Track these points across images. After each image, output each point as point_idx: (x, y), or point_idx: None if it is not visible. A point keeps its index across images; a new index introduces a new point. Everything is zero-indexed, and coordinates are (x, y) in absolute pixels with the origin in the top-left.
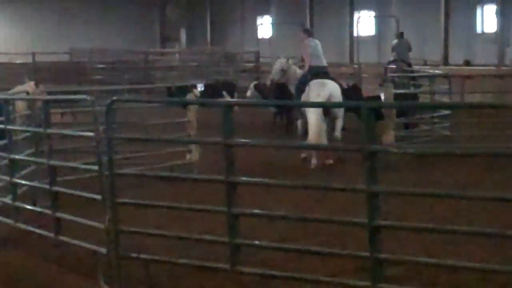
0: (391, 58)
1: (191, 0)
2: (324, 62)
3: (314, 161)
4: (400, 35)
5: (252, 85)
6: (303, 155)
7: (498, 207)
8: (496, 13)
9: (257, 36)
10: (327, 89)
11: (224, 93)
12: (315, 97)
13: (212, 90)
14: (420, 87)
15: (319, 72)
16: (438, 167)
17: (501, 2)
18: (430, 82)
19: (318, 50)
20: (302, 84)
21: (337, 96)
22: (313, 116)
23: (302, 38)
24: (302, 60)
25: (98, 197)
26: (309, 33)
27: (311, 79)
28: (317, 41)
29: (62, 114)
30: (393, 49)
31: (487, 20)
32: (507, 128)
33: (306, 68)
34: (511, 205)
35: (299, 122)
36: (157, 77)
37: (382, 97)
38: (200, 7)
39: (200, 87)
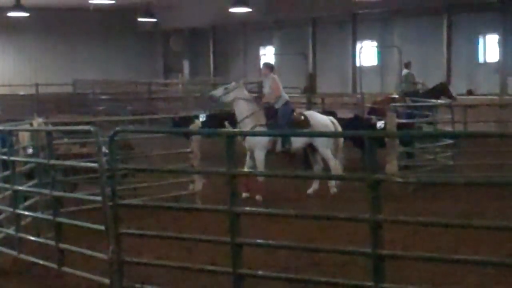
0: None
1: (194, 31)
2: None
3: (315, 186)
4: (408, 65)
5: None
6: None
7: (503, 236)
8: (498, 43)
9: (259, 66)
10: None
11: (226, 123)
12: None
13: (214, 121)
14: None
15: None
16: (442, 197)
17: (503, 32)
18: (433, 111)
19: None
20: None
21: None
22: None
23: (266, 73)
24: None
25: (102, 227)
26: (272, 68)
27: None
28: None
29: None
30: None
31: (489, 49)
32: (510, 157)
33: (273, 99)
34: None
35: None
36: (160, 108)
37: (380, 125)
38: (203, 38)
39: (202, 118)
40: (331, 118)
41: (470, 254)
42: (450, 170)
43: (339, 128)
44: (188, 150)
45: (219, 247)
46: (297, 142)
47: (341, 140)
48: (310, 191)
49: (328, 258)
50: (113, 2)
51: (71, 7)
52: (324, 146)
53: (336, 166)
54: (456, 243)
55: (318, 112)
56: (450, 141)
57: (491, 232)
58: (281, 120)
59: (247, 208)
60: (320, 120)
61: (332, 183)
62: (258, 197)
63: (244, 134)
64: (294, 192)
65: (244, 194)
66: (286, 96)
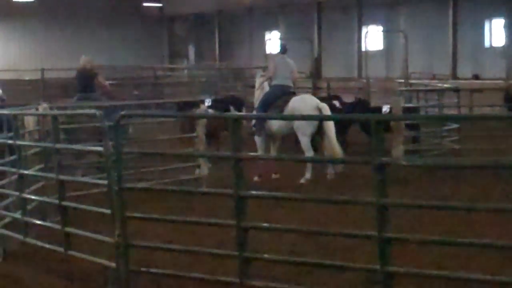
0: None
1: (199, 16)
2: (289, 82)
3: (308, 175)
4: None
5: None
6: (307, 177)
7: (509, 219)
8: (504, 27)
9: (265, 51)
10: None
11: (232, 108)
12: (312, 112)
13: (219, 105)
14: None
15: (286, 91)
16: (448, 180)
17: (509, 16)
18: (438, 96)
19: (283, 68)
20: (270, 101)
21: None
22: (332, 131)
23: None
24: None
25: (108, 211)
26: (282, 51)
27: (281, 97)
28: (287, 59)
29: None
30: None
31: (495, 34)
32: None
33: (266, 79)
34: None
35: (259, 139)
36: (165, 93)
37: (386, 109)
38: (208, 23)
39: (207, 102)
40: (321, 104)
41: (476, 237)
42: (456, 154)
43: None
44: (194, 134)
45: (225, 231)
46: (275, 126)
47: (330, 129)
48: (302, 180)
49: (334, 242)
50: None
51: None
52: (301, 133)
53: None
54: (462, 226)
55: (320, 97)
56: (455, 125)
57: (497, 215)
58: (260, 103)
59: (253, 192)
60: (299, 105)
61: (332, 169)
62: (274, 176)
63: (248, 118)
64: (300, 176)
65: (256, 178)
66: (280, 80)
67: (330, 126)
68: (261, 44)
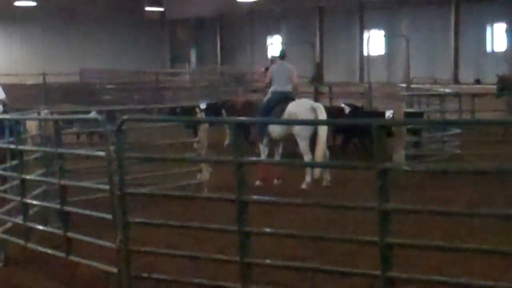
0: None
1: (200, 20)
2: (287, 87)
3: (308, 179)
4: None
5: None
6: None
7: (511, 225)
8: (506, 31)
9: (267, 55)
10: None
11: (223, 111)
12: (308, 114)
13: (213, 110)
14: None
15: (284, 97)
16: (449, 186)
17: (511, 20)
18: (440, 101)
19: (280, 73)
20: (270, 107)
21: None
22: (324, 134)
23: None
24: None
25: (109, 216)
26: (280, 56)
27: (279, 103)
28: (286, 65)
29: (78, 135)
30: None
31: (497, 38)
32: None
33: (262, 87)
34: None
35: (262, 145)
36: (167, 98)
37: (389, 114)
38: (210, 27)
39: (202, 107)
40: (316, 104)
41: (478, 243)
42: (457, 159)
43: (323, 117)
44: (196, 139)
45: (227, 236)
46: (275, 132)
47: (322, 132)
48: (303, 185)
49: (336, 247)
50: None
51: None
52: (300, 138)
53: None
54: (464, 232)
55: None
56: (457, 130)
57: (499, 220)
58: (260, 110)
59: (255, 197)
60: (295, 109)
61: (327, 175)
62: (276, 181)
63: (249, 123)
64: (302, 181)
65: (257, 183)
66: (278, 86)
67: (322, 129)
68: (263, 49)
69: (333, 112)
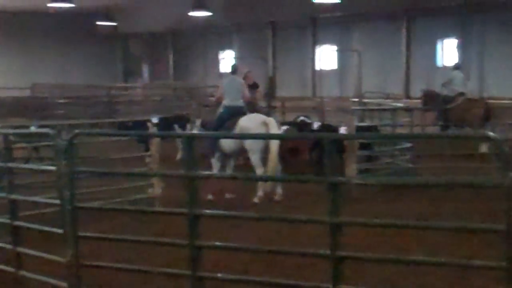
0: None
1: (153, 34)
2: (239, 102)
3: (260, 193)
4: (458, 66)
5: (198, 123)
6: (259, 195)
7: (460, 238)
8: (457, 47)
9: (219, 70)
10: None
11: (176, 126)
12: (259, 128)
13: (165, 124)
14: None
15: (236, 111)
16: (400, 199)
17: (461, 36)
18: (392, 115)
19: (232, 88)
20: (221, 121)
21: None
22: (276, 148)
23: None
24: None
25: (60, 231)
26: (232, 70)
27: (231, 117)
28: (237, 79)
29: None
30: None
31: (448, 53)
32: (468, 159)
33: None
34: (472, 235)
35: (214, 159)
36: (119, 112)
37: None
38: (163, 42)
39: (155, 121)
40: (268, 119)
41: (429, 255)
42: (409, 173)
43: (274, 131)
44: (148, 153)
45: (179, 250)
46: (226, 146)
47: (274, 146)
48: (255, 199)
49: (288, 261)
50: (73, 5)
51: (29, 10)
52: (251, 151)
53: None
54: (415, 244)
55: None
56: (408, 144)
57: (449, 233)
58: (212, 125)
59: (207, 211)
60: (246, 123)
61: (280, 189)
62: (228, 195)
63: (199, 136)
64: (255, 195)
65: (209, 197)
66: (229, 101)
67: (274, 143)
68: (215, 63)
69: (301, 128)
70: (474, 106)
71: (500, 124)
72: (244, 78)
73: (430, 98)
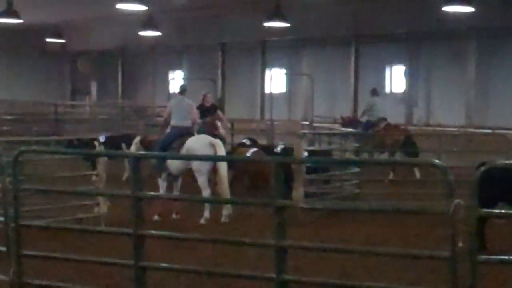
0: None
1: (102, 53)
2: (187, 122)
3: (207, 214)
4: (376, 92)
5: (137, 140)
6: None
7: (406, 263)
8: (405, 73)
9: (168, 90)
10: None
11: (123, 145)
12: (206, 149)
13: (112, 143)
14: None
15: (184, 132)
16: (347, 224)
17: (409, 63)
18: (341, 140)
19: (180, 108)
20: (169, 142)
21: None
22: (224, 169)
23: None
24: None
25: (3, 248)
26: (180, 91)
27: (178, 137)
28: (185, 100)
29: None
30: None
31: (396, 80)
32: (414, 185)
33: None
34: (417, 261)
35: (160, 180)
36: (66, 130)
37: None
38: (112, 60)
39: (102, 139)
40: (214, 140)
41: (374, 280)
42: (355, 198)
43: (221, 153)
44: (94, 172)
45: (124, 270)
46: (173, 167)
47: (222, 167)
48: (202, 220)
49: (233, 283)
50: (21, 21)
51: None
52: (198, 173)
53: (207, 196)
54: (360, 269)
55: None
56: (356, 169)
57: (394, 259)
58: (158, 144)
59: (152, 232)
60: (194, 144)
61: (225, 211)
62: (174, 215)
63: (148, 157)
64: (201, 216)
65: (155, 217)
66: (177, 122)
67: (222, 165)
68: (164, 83)
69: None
70: (395, 132)
71: (446, 151)
72: (203, 99)
73: (348, 123)
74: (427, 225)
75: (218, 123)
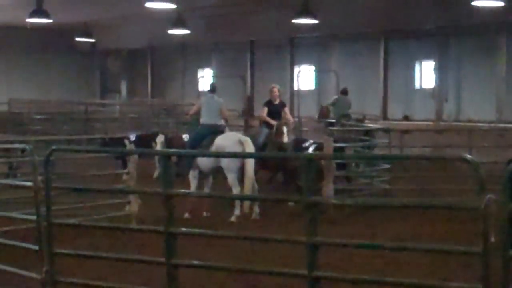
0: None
1: (132, 51)
2: (217, 120)
3: (237, 212)
4: (345, 91)
5: (162, 139)
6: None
7: (437, 259)
8: (434, 69)
9: (198, 88)
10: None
11: (154, 144)
12: (235, 147)
13: (142, 141)
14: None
15: (213, 130)
16: (377, 220)
17: (438, 58)
18: (370, 136)
19: (210, 107)
20: (198, 140)
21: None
22: (251, 167)
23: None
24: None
25: (36, 247)
26: (210, 89)
27: (208, 135)
28: (215, 98)
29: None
30: (334, 104)
31: (425, 75)
32: (445, 181)
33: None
34: (449, 256)
35: (191, 177)
36: (97, 129)
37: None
38: (141, 59)
39: (132, 138)
40: (244, 138)
41: (405, 277)
42: (386, 194)
43: (250, 150)
44: (125, 170)
45: (155, 268)
46: (203, 164)
47: (250, 165)
48: (232, 218)
49: (265, 280)
50: (51, 21)
51: (8, 25)
52: (228, 171)
53: (237, 193)
54: (391, 265)
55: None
56: (387, 166)
57: (425, 255)
58: (188, 142)
59: (184, 229)
60: (223, 142)
61: (256, 208)
62: (205, 213)
63: (175, 154)
64: (232, 213)
65: (186, 215)
66: (206, 119)
67: (249, 162)
68: (194, 81)
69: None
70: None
71: (476, 147)
72: (270, 94)
73: (322, 115)
74: (458, 221)
75: (285, 129)
